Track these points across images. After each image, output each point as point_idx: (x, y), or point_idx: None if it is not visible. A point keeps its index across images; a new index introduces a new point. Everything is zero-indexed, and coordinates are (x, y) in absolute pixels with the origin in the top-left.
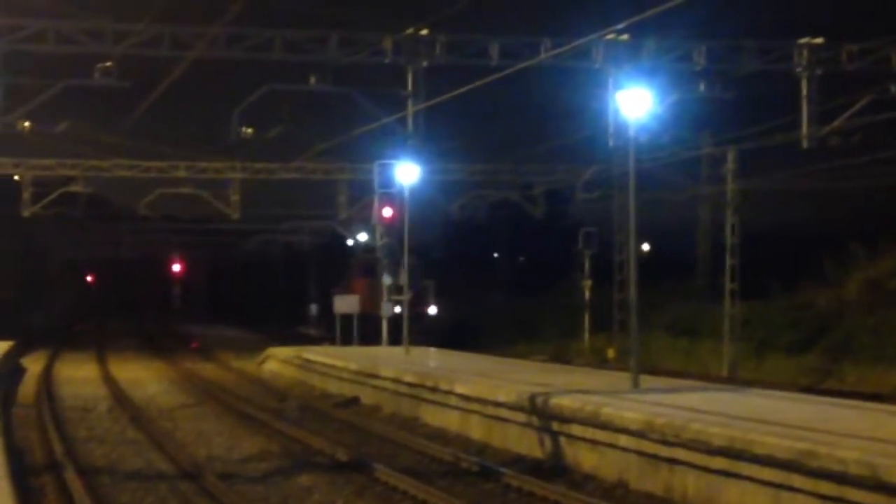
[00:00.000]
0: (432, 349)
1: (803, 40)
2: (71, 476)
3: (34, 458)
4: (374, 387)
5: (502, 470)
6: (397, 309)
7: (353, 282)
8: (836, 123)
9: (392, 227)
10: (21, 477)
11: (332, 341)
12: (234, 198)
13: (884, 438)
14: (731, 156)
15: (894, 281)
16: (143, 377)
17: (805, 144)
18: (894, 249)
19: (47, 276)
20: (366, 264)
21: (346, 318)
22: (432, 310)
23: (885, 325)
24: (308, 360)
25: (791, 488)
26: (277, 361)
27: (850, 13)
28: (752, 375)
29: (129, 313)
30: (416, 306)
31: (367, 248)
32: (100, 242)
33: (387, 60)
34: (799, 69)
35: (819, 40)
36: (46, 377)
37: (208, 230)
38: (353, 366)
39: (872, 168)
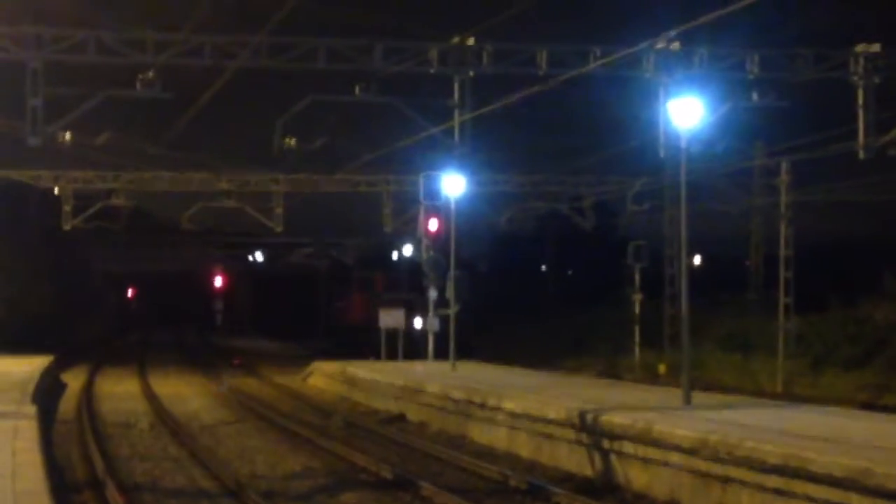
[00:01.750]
0: (479, 364)
1: (860, 48)
2: (112, 493)
3: (75, 475)
4: (421, 403)
5: (551, 488)
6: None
7: (353, 296)
8: (894, 133)
9: (438, 239)
10: (62, 494)
11: (377, 356)
12: (278, 210)
13: None
14: (784, 166)
15: None
16: (185, 392)
17: (862, 155)
18: None
19: (87, 290)
20: (363, 279)
21: (391, 333)
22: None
23: None
24: (353, 376)
25: None
26: (322, 376)
27: None
28: (808, 391)
29: (170, 328)
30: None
31: (363, 264)
32: (141, 256)
33: (433, 70)
34: (855, 77)
35: (876, 47)
36: (87, 392)
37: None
38: (398, 381)
39: None
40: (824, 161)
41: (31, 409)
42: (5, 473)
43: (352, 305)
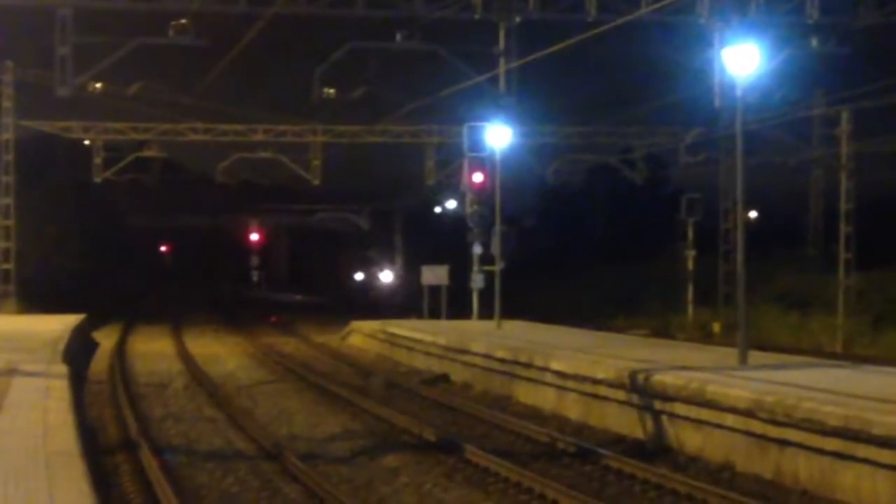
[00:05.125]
0: (525, 323)
1: None
2: (146, 455)
3: (108, 437)
4: (464, 363)
5: (601, 451)
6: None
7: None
8: None
9: (483, 192)
10: (95, 456)
11: (419, 314)
12: (315, 163)
13: None
14: (845, 116)
15: None
16: (221, 352)
17: None
18: None
19: (119, 246)
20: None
21: (434, 289)
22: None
23: None
24: (394, 335)
25: None
26: (362, 336)
27: None
28: (869, 351)
29: (205, 284)
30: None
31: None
32: (174, 210)
33: (477, 16)
34: None
35: None
36: (119, 352)
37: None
38: (441, 340)
39: None
40: (887, 110)
41: (63, 369)
42: (37, 433)
43: (341, 264)
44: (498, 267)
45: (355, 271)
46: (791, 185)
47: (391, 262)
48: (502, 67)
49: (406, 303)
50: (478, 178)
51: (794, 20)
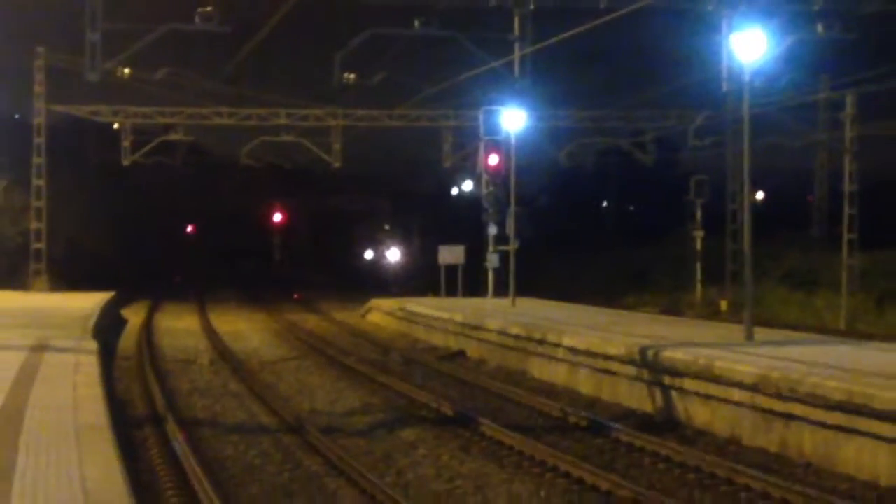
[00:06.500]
0: (539, 301)
1: None
2: (173, 428)
3: (136, 411)
4: (480, 339)
5: (612, 425)
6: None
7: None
8: None
9: (498, 175)
10: (123, 429)
11: (436, 292)
12: (336, 146)
13: None
14: (850, 100)
15: None
16: (245, 329)
17: None
18: None
19: (146, 226)
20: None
21: (451, 268)
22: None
23: None
24: (412, 312)
25: None
26: (380, 313)
27: None
28: (872, 328)
29: (230, 263)
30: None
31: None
32: (200, 191)
33: (493, 3)
34: None
35: None
36: (147, 328)
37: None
38: (457, 318)
39: None
40: (891, 94)
41: (92, 345)
42: (67, 407)
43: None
44: (512, 247)
45: (366, 250)
46: (797, 168)
47: (400, 242)
48: (517, 53)
49: (413, 281)
50: (493, 160)
51: (800, 7)
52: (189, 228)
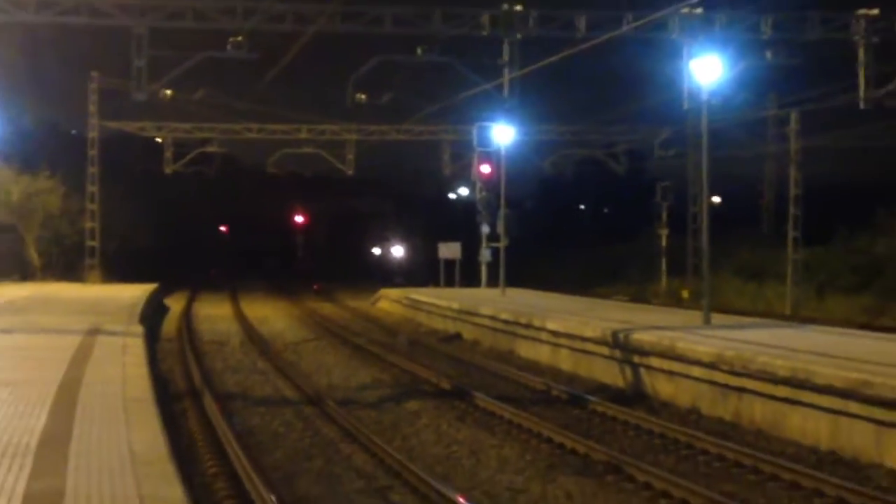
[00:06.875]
0: (526, 291)
1: (861, 11)
2: (208, 401)
3: (177, 386)
4: (474, 324)
5: (588, 397)
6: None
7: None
8: (891, 86)
9: (490, 182)
10: (165, 402)
11: (437, 284)
12: (350, 156)
13: None
14: (794, 117)
15: None
16: (271, 315)
17: (862, 106)
18: None
19: (186, 227)
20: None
21: (449, 262)
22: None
23: None
24: (416, 300)
25: (848, 414)
26: (389, 301)
27: None
28: (813, 314)
29: (258, 259)
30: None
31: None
32: (232, 196)
33: (485, 33)
34: (856, 37)
35: (875, 11)
36: (186, 315)
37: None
38: (455, 305)
39: None
40: (829, 111)
41: (139, 329)
42: (117, 383)
43: (366, 241)
44: (503, 244)
45: (374, 247)
46: (748, 175)
47: (403, 240)
48: (506, 77)
49: (413, 273)
50: (486, 169)
51: (751, 37)
52: (222, 228)
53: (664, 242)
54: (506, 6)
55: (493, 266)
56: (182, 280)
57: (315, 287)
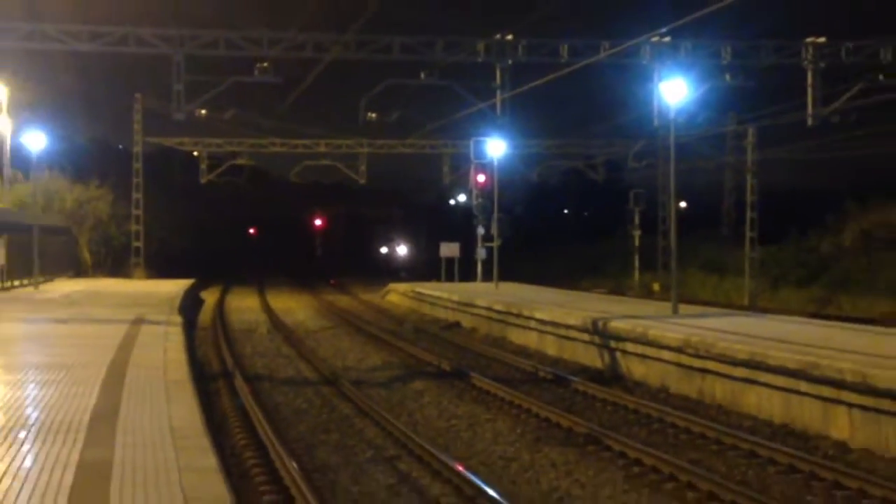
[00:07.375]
0: (517, 284)
1: (809, 39)
2: (239, 382)
3: (211, 368)
4: (471, 313)
5: (571, 378)
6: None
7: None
8: (835, 105)
9: (485, 189)
10: (202, 382)
11: (438, 278)
12: (362, 167)
13: (873, 353)
14: (751, 132)
15: (881, 230)
16: (294, 307)
17: (810, 122)
18: (881, 205)
19: (219, 230)
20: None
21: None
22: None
23: (874, 264)
24: (420, 293)
25: (798, 392)
26: (397, 294)
27: (848, 15)
28: (768, 304)
29: (283, 259)
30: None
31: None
32: (259, 202)
33: (480, 60)
34: (806, 63)
35: (822, 39)
36: (220, 306)
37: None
38: (454, 297)
39: (865, 140)
40: (782, 127)
41: (178, 319)
42: (159, 366)
43: (375, 242)
44: (496, 243)
45: (381, 246)
46: (710, 183)
47: (408, 240)
48: (499, 97)
49: (416, 269)
50: (481, 178)
51: (713, 62)
52: (251, 231)
53: (637, 242)
54: (498, 36)
55: (487, 263)
56: (216, 276)
57: (332, 282)
